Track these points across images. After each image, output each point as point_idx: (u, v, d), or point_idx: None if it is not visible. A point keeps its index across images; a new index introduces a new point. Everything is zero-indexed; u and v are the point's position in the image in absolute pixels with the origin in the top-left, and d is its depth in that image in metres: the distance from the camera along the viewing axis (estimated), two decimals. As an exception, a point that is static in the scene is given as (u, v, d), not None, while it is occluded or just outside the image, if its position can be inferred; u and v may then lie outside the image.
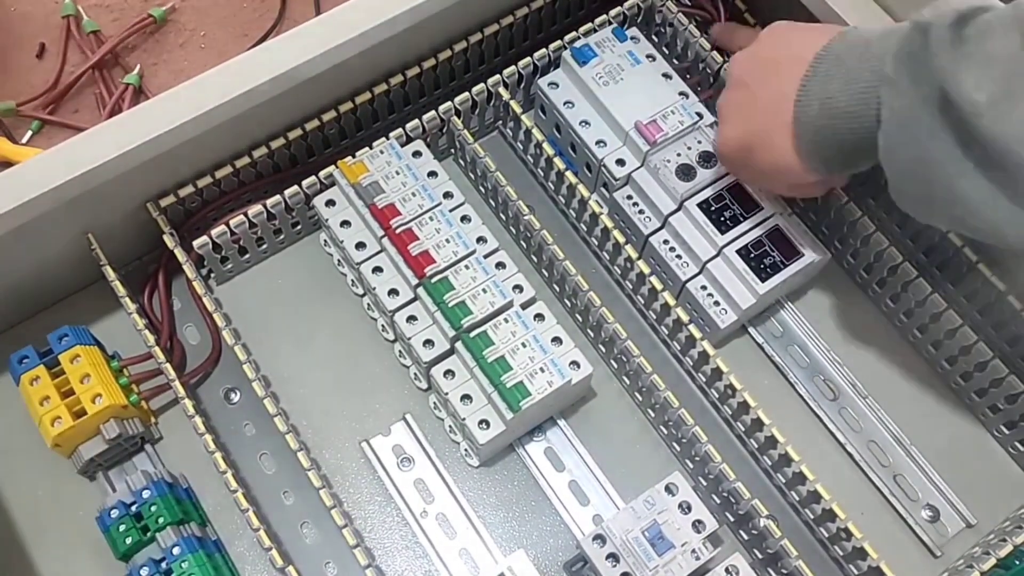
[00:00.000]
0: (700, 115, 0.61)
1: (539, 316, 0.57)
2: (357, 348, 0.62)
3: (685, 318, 0.57)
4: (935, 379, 0.62)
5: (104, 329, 0.60)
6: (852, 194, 0.60)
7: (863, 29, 0.49)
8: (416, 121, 0.61)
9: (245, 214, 0.58)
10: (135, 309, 0.57)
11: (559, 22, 0.70)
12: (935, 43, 0.41)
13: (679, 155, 0.60)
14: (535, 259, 0.64)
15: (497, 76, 0.63)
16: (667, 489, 0.53)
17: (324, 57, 0.57)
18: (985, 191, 0.42)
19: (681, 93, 0.62)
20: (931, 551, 0.57)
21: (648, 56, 0.63)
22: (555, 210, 0.66)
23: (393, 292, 0.57)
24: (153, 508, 0.53)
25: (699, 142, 0.60)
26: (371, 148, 0.60)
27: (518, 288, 0.57)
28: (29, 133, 0.70)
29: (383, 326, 0.62)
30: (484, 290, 0.56)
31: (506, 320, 0.55)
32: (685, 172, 0.60)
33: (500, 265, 0.58)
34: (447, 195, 0.59)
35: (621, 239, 0.59)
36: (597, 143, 0.62)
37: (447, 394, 0.55)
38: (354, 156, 0.59)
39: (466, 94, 0.62)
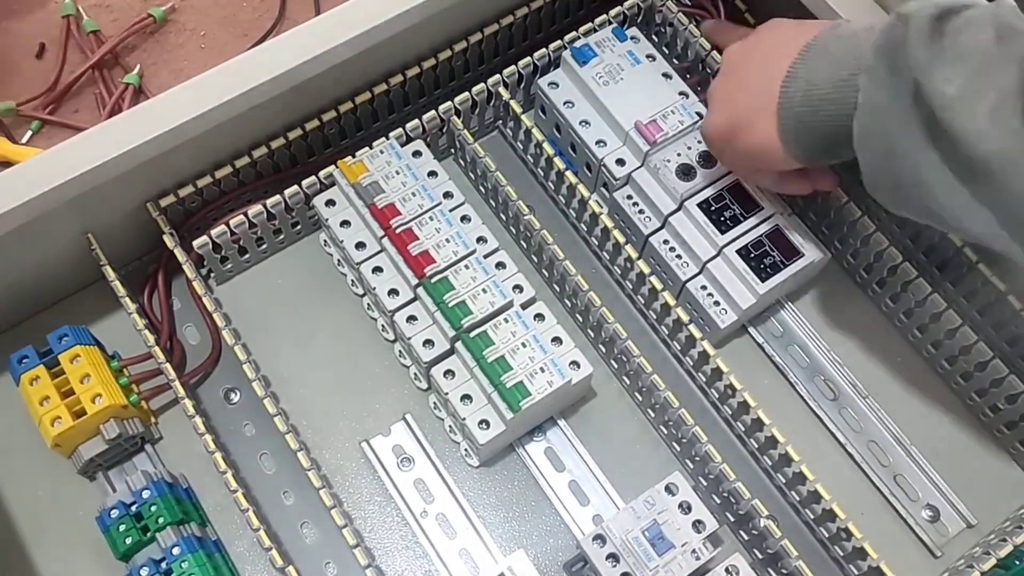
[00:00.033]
0: (700, 115, 0.61)
1: (539, 316, 0.57)
2: (357, 348, 0.62)
3: (685, 318, 0.57)
4: (935, 379, 0.62)
5: (104, 329, 0.60)
6: (852, 194, 0.60)
7: (855, 23, 0.50)
8: (416, 121, 0.61)
9: (245, 214, 0.58)
10: (135, 309, 0.57)
11: (559, 22, 0.70)
12: (914, 35, 0.42)
13: (679, 155, 0.60)
14: (535, 259, 0.64)
15: (497, 76, 0.63)
16: (667, 489, 0.53)
17: (324, 57, 0.57)
18: (949, 183, 0.43)
19: (681, 93, 0.62)
20: (931, 551, 0.57)
21: (648, 56, 0.63)
22: (555, 210, 0.66)
23: (393, 292, 0.57)
24: (153, 508, 0.53)
25: (699, 142, 0.60)
26: (371, 148, 0.60)
27: (518, 288, 0.57)
28: (29, 133, 0.70)
29: (383, 326, 0.62)
30: (484, 290, 0.56)
31: (506, 320, 0.55)
32: (685, 172, 0.60)
33: (500, 265, 0.58)
34: (447, 195, 0.59)
35: (621, 239, 0.59)
36: (597, 143, 0.62)
37: (447, 394, 0.55)
38: (354, 156, 0.59)
39: (466, 94, 0.62)
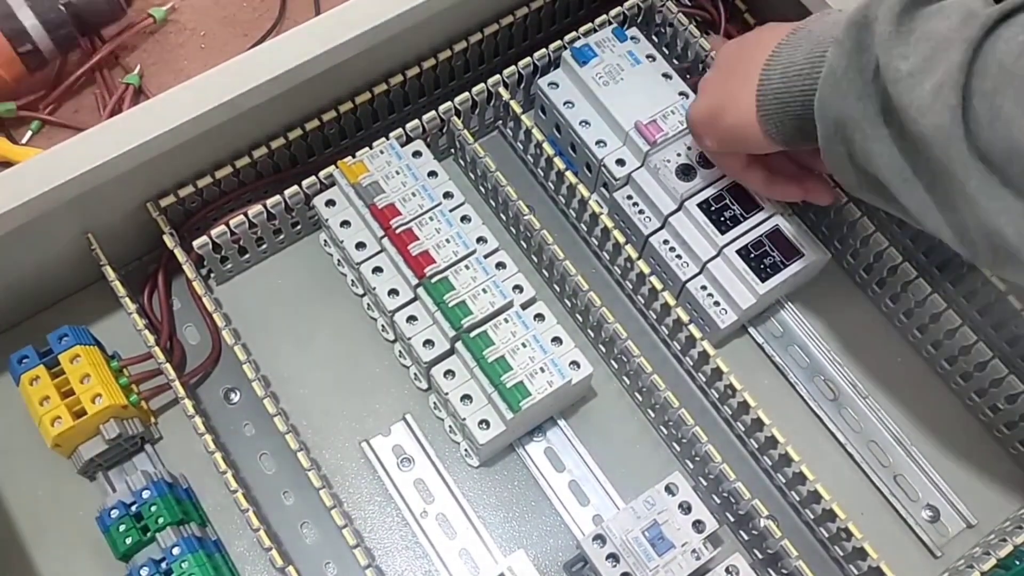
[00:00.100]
0: (700, 115, 0.61)
1: (539, 316, 0.57)
2: (357, 348, 0.62)
3: (685, 318, 0.57)
4: (935, 379, 0.62)
5: (104, 329, 0.60)
6: (851, 194, 0.60)
7: (834, 9, 0.51)
8: (416, 121, 0.61)
9: (245, 214, 0.58)
10: (135, 309, 0.57)
11: (559, 22, 0.70)
12: (884, 13, 0.43)
13: (679, 155, 0.60)
14: (535, 259, 0.64)
15: (497, 76, 0.63)
16: (667, 489, 0.53)
17: (324, 57, 0.57)
18: (895, 159, 0.44)
19: (681, 93, 0.62)
20: (931, 551, 0.57)
21: (648, 56, 0.63)
22: (555, 210, 0.66)
23: (393, 292, 0.57)
24: (153, 508, 0.53)
25: (699, 142, 0.60)
26: (371, 148, 0.60)
27: (518, 288, 0.57)
28: (29, 133, 0.70)
29: (383, 326, 0.62)
30: (484, 290, 0.56)
31: (506, 320, 0.55)
32: (685, 172, 0.60)
33: (500, 265, 0.58)
34: (447, 195, 0.59)
35: (621, 239, 0.59)
36: (597, 143, 0.62)
37: (447, 394, 0.55)
38: (354, 156, 0.59)
39: (466, 94, 0.62)
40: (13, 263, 0.56)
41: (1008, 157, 0.39)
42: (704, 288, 0.60)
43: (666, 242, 0.60)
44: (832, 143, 0.47)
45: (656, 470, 0.58)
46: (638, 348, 0.57)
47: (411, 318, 0.56)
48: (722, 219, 0.59)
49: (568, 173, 0.61)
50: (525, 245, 0.65)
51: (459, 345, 0.55)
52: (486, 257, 0.58)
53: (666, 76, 0.63)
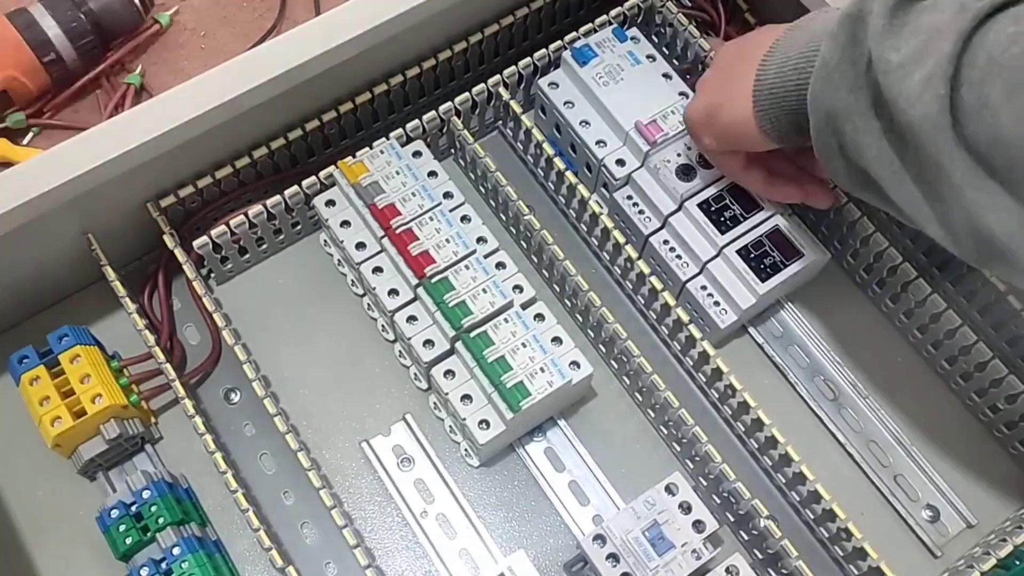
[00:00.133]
0: (700, 115, 0.61)
1: (539, 316, 0.57)
2: (357, 348, 0.62)
3: (685, 318, 0.57)
4: (935, 379, 0.62)
5: (104, 329, 0.60)
6: (852, 195, 0.60)
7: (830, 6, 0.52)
8: (416, 121, 0.61)
9: (245, 214, 0.58)
10: (135, 309, 0.57)
11: (559, 22, 0.70)
12: (878, 8, 0.43)
13: (679, 155, 0.60)
14: (535, 259, 0.64)
15: (497, 76, 0.63)
16: (667, 489, 0.53)
17: (324, 57, 0.57)
18: (885, 152, 0.44)
19: (681, 93, 0.62)
20: (931, 551, 0.57)
21: (648, 56, 0.63)
22: (555, 210, 0.66)
23: (393, 292, 0.57)
24: (153, 508, 0.53)
25: (699, 142, 0.60)
26: (371, 148, 0.60)
27: (518, 288, 0.57)
28: (30, 134, 0.70)
29: (383, 326, 0.62)
30: (484, 290, 0.56)
31: (506, 320, 0.55)
32: (685, 172, 0.60)
33: (500, 265, 0.58)
34: (447, 195, 0.59)
35: (621, 239, 0.59)
36: (597, 143, 0.62)
37: (447, 394, 0.55)
38: (354, 156, 0.59)
39: (466, 94, 0.62)
40: (13, 263, 0.56)
41: (993, 147, 0.39)
42: (704, 288, 0.60)
43: (666, 242, 0.60)
44: (824, 135, 0.47)
45: (656, 470, 0.58)
46: (638, 348, 0.57)
47: (411, 318, 0.56)
48: (722, 219, 0.59)
49: (568, 173, 0.61)
50: (525, 245, 0.65)
51: (459, 345, 0.55)
52: (486, 257, 0.58)
53: (666, 76, 0.63)
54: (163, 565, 0.51)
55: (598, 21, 0.64)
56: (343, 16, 0.57)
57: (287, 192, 0.59)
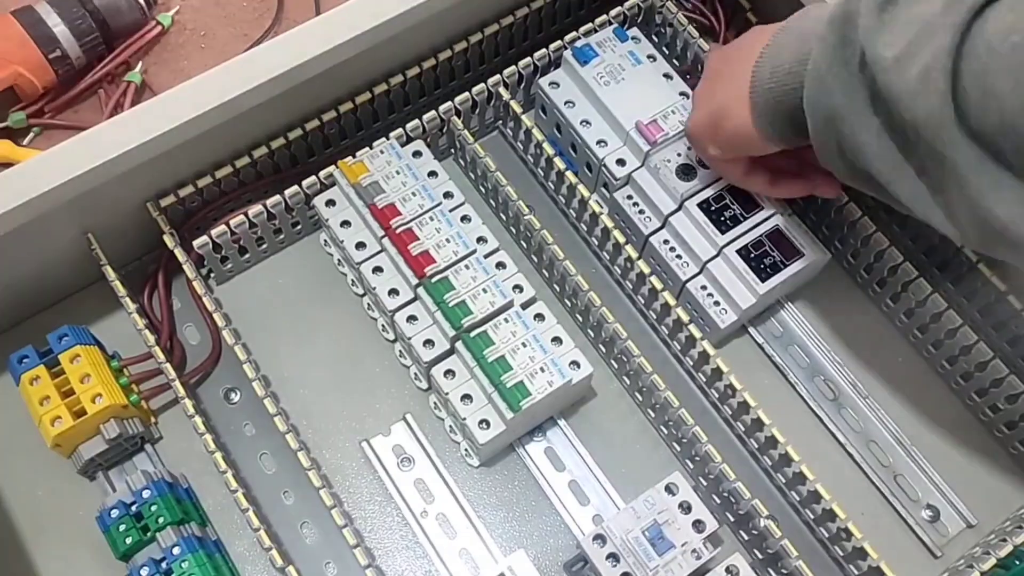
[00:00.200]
0: (700, 115, 0.61)
1: (539, 316, 0.57)
2: (357, 348, 0.62)
3: (685, 318, 0.57)
4: (935, 379, 0.62)
5: (104, 329, 0.60)
6: (852, 194, 0.60)
7: (824, 5, 0.51)
8: (416, 121, 0.61)
9: (245, 214, 0.58)
10: (135, 309, 0.57)
11: (559, 22, 0.70)
12: (865, 5, 0.43)
13: (679, 155, 0.60)
14: (535, 259, 0.64)
15: (497, 76, 0.63)
16: (667, 489, 0.53)
17: (324, 57, 0.57)
18: (884, 147, 0.44)
19: (682, 93, 0.62)
20: (931, 551, 0.57)
21: (649, 56, 0.63)
22: (555, 210, 0.66)
23: (393, 292, 0.57)
24: (153, 508, 0.53)
25: (699, 142, 0.60)
26: (371, 148, 0.60)
27: (518, 288, 0.57)
28: (31, 134, 0.70)
29: (383, 326, 0.62)
30: (484, 290, 0.56)
31: (506, 320, 0.55)
32: (685, 172, 0.60)
33: (500, 265, 0.58)
34: (447, 195, 0.59)
35: (621, 239, 0.59)
36: (598, 143, 0.62)
37: (447, 394, 0.55)
38: (354, 156, 0.59)
39: (466, 94, 0.62)
40: (13, 263, 0.56)
41: (1001, 133, 0.39)
42: (704, 288, 0.60)
43: (666, 242, 0.60)
44: (823, 137, 0.48)
45: (656, 470, 0.58)
46: (638, 348, 0.57)
47: (411, 318, 0.56)
48: (722, 219, 0.59)
49: (568, 173, 0.61)
50: (525, 245, 0.64)
51: (459, 345, 0.55)
52: (486, 257, 0.58)
53: (667, 76, 0.63)
54: (163, 565, 0.51)
55: (598, 21, 0.64)
56: (343, 16, 0.57)
57: (287, 192, 0.59)
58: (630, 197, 0.61)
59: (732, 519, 0.57)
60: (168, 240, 0.58)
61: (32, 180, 0.52)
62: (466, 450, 0.59)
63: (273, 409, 0.54)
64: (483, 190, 0.66)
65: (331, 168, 0.59)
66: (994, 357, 0.57)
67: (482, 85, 0.62)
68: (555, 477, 0.58)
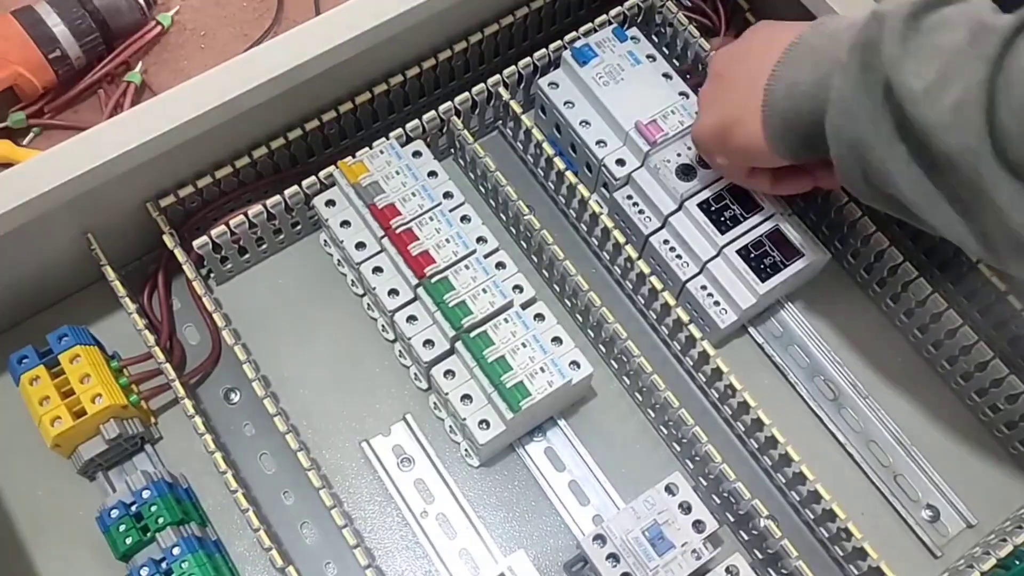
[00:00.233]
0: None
1: (539, 316, 0.57)
2: (357, 348, 0.62)
3: (685, 318, 0.57)
4: (935, 379, 0.62)
5: (104, 329, 0.60)
6: (852, 194, 0.60)
7: (838, 18, 0.50)
8: (416, 121, 0.61)
9: (245, 214, 0.58)
10: (135, 309, 0.57)
11: (559, 22, 0.70)
12: (887, 33, 0.42)
13: (679, 155, 0.60)
14: (535, 259, 0.64)
15: (497, 76, 0.63)
16: (667, 489, 0.53)
17: (324, 57, 0.57)
18: (914, 176, 0.44)
19: (681, 93, 0.62)
20: (931, 551, 0.57)
21: (648, 56, 0.63)
22: (555, 210, 0.66)
23: (393, 292, 0.57)
24: (153, 508, 0.53)
25: (699, 142, 0.60)
26: (371, 148, 0.60)
27: (518, 288, 0.57)
28: (31, 135, 0.70)
29: (383, 326, 0.62)
30: (484, 290, 0.56)
31: (506, 320, 0.55)
32: (685, 172, 0.60)
33: (500, 265, 0.58)
34: (447, 195, 0.59)
35: (621, 239, 0.59)
36: (597, 143, 0.62)
37: (447, 394, 0.55)
38: (354, 156, 0.59)
39: (466, 94, 0.62)
40: (13, 263, 0.56)
41: None
42: (704, 288, 0.60)
43: (666, 242, 0.60)
44: (847, 163, 0.47)
45: (656, 470, 0.58)
46: (638, 348, 0.57)
47: (411, 318, 0.56)
48: (722, 219, 0.59)
49: (568, 173, 0.61)
50: (525, 245, 0.64)
51: (459, 345, 0.55)
52: (486, 257, 0.58)
53: (666, 76, 0.63)
54: (163, 565, 0.51)
55: (598, 21, 0.64)
56: (343, 16, 0.57)
57: (287, 192, 0.59)
58: (630, 197, 0.61)
59: (732, 519, 0.57)
60: (168, 240, 0.58)
61: (32, 180, 0.52)
62: (466, 450, 0.59)
63: (273, 409, 0.54)
64: (483, 190, 0.66)
65: (331, 168, 0.59)
66: (994, 357, 0.57)
67: (482, 85, 0.62)
68: (555, 477, 0.58)
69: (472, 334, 0.55)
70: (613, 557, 0.51)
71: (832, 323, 0.63)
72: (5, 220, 0.52)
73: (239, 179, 0.60)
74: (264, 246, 0.63)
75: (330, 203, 0.59)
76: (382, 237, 0.58)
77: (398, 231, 0.57)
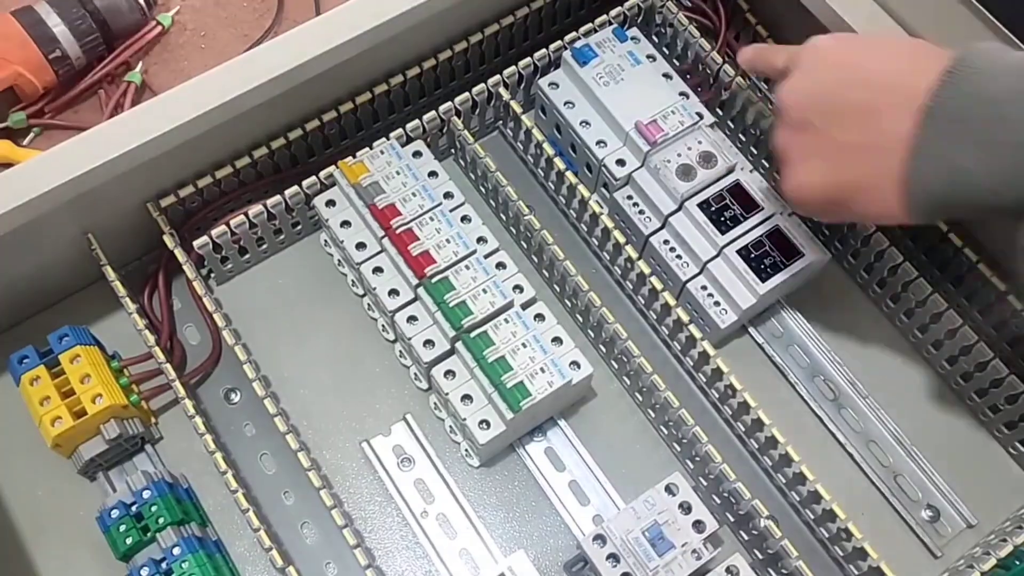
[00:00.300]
0: (700, 115, 0.61)
1: (539, 316, 0.57)
2: (357, 348, 0.62)
3: (685, 318, 0.57)
4: (935, 379, 0.62)
5: (104, 329, 0.60)
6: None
7: (971, 71, 0.42)
8: (416, 121, 0.61)
9: (245, 214, 0.58)
10: (135, 309, 0.57)
11: (559, 22, 0.70)
12: None
13: (679, 155, 0.60)
14: (535, 259, 0.64)
15: (497, 76, 0.63)
16: (667, 489, 0.53)
17: (324, 57, 0.57)
18: None
19: (681, 93, 0.62)
20: (931, 551, 0.57)
21: (648, 56, 0.63)
22: (555, 210, 0.66)
23: (393, 292, 0.57)
24: (153, 508, 0.53)
25: (699, 142, 0.60)
26: (371, 148, 0.60)
27: (518, 288, 0.57)
28: (31, 135, 0.70)
29: (383, 326, 0.62)
30: (484, 290, 0.56)
31: (506, 320, 0.55)
32: (685, 172, 0.60)
33: (500, 265, 0.58)
34: (447, 195, 0.59)
35: (621, 239, 0.59)
36: (597, 143, 0.62)
37: (447, 394, 0.55)
38: (354, 156, 0.59)
39: (466, 94, 0.62)
40: (13, 263, 0.56)
41: None
42: (704, 288, 0.60)
43: (666, 242, 0.60)
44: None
45: (656, 470, 0.58)
46: (638, 348, 0.57)
47: (411, 318, 0.56)
48: (722, 219, 0.59)
49: (568, 173, 0.61)
50: (525, 245, 0.64)
51: (459, 345, 0.55)
52: (486, 257, 0.58)
53: (666, 76, 0.63)
54: (163, 565, 0.51)
55: (598, 21, 0.64)
56: (343, 16, 0.57)
57: (287, 192, 0.59)
58: (630, 197, 0.61)
59: (732, 519, 0.57)
60: (168, 240, 0.58)
61: (32, 180, 0.52)
62: (466, 450, 0.59)
63: (273, 409, 0.54)
64: (483, 190, 0.66)
65: (331, 168, 0.59)
66: (994, 357, 0.57)
67: (482, 85, 0.62)
68: (555, 477, 0.58)
69: (472, 334, 0.55)
70: (613, 557, 0.51)
71: (832, 323, 0.63)
72: (5, 220, 0.52)
73: (239, 179, 0.60)
74: (264, 246, 0.63)
75: (330, 203, 0.59)
76: (382, 237, 0.58)
77: (398, 231, 0.57)
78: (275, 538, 0.55)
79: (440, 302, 0.55)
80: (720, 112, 0.66)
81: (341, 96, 0.61)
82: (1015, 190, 0.41)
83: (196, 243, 0.58)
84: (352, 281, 0.63)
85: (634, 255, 0.59)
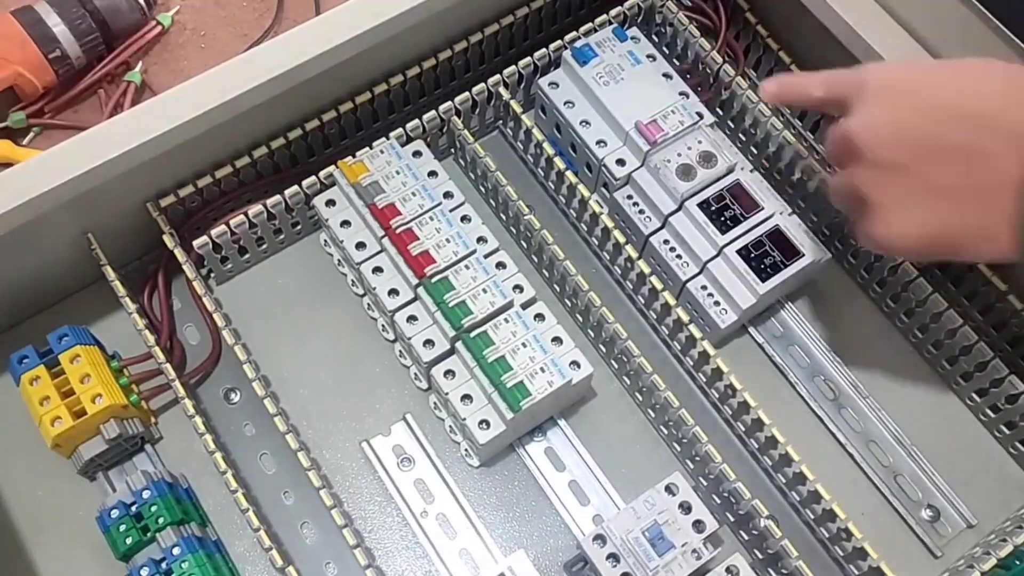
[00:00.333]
0: (700, 115, 0.61)
1: (539, 316, 0.57)
2: (357, 348, 0.62)
3: (685, 318, 0.57)
4: (935, 379, 0.62)
5: (104, 329, 0.60)
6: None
7: None
8: (416, 121, 0.61)
9: (245, 214, 0.58)
10: (135, 309, 0.57)
11: (559, 22, 0.70)
12: None
13: (679, 155, 0.60)
14: (535, 259, 0.64)
15: (497, 76, 0.63)
16: (667, 489, 0.53)
17: (324, 57, 0.57)
18: None
19: (682, 93, 0.62)
20: (931, 551, 0.57)
21: (648, 56, 0.63)
22: (555, 210, 0.66)
23: (393, 292, 0.57)
24: (153, 508, 0.53)
25: (699, 142, 0.60)
26: (371, 148, 0.60)
27: (518, 288, 0.57)
28: (31, 134, 0.70)
29: (383, 326, 0.62)
30: (484, 290, 0.56)
31: (506, 320, 0.55)
32: (685, 172, 0.60)
33: (500, 265, 0.58)
34: (447, 195, 0.59)
35: (621, 239, 0.59)
36: (597, 143, 0.62)
37: (447, 394, 0.55)
38: (354, 156, 0.59)
39: (466, 94, 0.62)
40: (13, 263, 0.56)
41: None
42: (704, 288, 0.60)
43: (666, 242, 0.60)
44: None
45: (656, 470, 0.58)
46: (638, 348, 0.57)
47: (411, 318, 0.56)
48: (722, 219, 0.59)
49: (568, 173, 0.61)
50: (525, 245, 0.64)
51: (459, 345, 0.55)
52: (486, 257, 0.58)
53: (666, 76, 0.63)
54: (163, 565, 0.51)
55: (598, 21, 0.64)
56: (343, 16, 0.57)
57: (287, 192, 0.59)
58: (630, 197, 0.61)
59: (732, 519, 0.57)
60: (168, 240, 0.58)
61: (32, 180, 0.52)
62: (466, 450, 0.59)
63: (273, 409, 0.54)
64: (483, 190, 0.66)
65: (331, 168, 0.59)
66: (994, 357, 0.57)
67: (482, 85, 0.62)
68: (555, 477, 0.58)
69: (472, 334, 0.55)
70: (613, 557, 0.51)
71: (832, 323, 0.63)
72: (5, 220, 0.52)
73: (239, 179, 0.60)
74: (264, 246, 0.63)
75: (330, 203, 0.59)
76: (382, 237, 0.58)
77: (398, 231, 0.57)
78: (275, 538, 0.55)
79: (440, 302, 0.55)
80: (720, 112, 0.66)
81: (341, 96, 0.61)
82: None
83: (196, 243, 0.58)
84: (352, 281, 0.63)
85: (634, 255, 0.59)
